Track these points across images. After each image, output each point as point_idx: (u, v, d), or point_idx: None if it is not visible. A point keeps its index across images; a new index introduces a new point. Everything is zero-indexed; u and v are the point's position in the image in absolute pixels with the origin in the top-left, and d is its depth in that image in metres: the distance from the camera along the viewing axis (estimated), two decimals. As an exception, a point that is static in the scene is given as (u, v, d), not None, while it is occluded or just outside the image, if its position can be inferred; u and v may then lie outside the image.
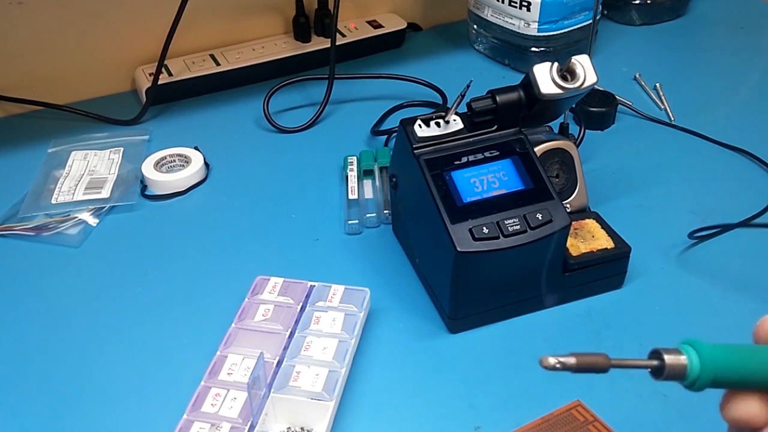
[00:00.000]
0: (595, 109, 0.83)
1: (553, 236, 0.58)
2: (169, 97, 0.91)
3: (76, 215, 0.73)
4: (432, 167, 0.59)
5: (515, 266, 0.59)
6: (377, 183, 0.76)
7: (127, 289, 0.66)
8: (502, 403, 0.55)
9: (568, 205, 0.67)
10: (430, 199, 0.58)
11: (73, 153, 0.82)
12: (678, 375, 0.36)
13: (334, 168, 0.80)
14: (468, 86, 0.59)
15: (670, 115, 0.87)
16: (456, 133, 0.61)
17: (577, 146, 0.69)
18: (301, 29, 0.96)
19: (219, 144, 0.83)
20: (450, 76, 0.92)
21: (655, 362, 0.36)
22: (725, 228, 0.67)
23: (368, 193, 0.75)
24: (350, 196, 0.73)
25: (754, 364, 0.36)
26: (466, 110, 0.62)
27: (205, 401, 0.53)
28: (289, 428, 0.53)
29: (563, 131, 0.73)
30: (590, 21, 0.93)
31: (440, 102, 0.87)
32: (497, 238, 0.57)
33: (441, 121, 0.61)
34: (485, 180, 0.59)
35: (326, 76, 0.88)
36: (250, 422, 0.51)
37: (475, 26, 0.99)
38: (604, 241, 0.63)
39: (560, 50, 0.93)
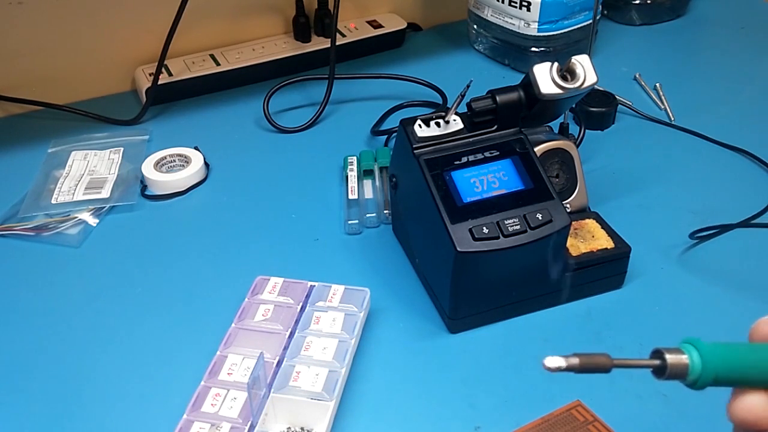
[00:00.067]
0: (595, 109, 0.83)
1: (553, 236, 0.58)
2: (169, 97, 0.91)
3: (76, 215, 0.73)
4: (432, 167, 0.59)
5: (515, 266, 0.59)
6: (377, 183, 0.76)
7: (127, 289, 0.66)
8: (502, 403, 0.55)
9: (568, 205, 0.67)
10: (430, 199, 0.58)
11: (73, 153, 0.82)
12: (680, 374, 0.36)
13: (334, 168, 0.80)
14: (468, 86, 0.59)
15: (670, 115, 0.87)
16: (456, 133, 0.61)
17: (577, 146, 0.69)
18: (301, 29, 0.96)
19: (219, 144, 0.83)
20: (450, 76, 0.92)
21: (656, 362, 0.36)
22: (725, 228, 0.67)
23: (368, 193, 0.75)
24: (350, 196, 0.73)
25: (755, 361, 0.36)
26: (466, 110, 0.62)
27: (205, 401, 0.53)
28: (289, 428, 0.53)
29: (563, 131, 0.73)
30: (590, 21, 0.93)
31: (440, 102, 0.87)
32: (497, 238, 0.57)
33: (441, 121, 0.61)
34: (485, 180, 0.59)
35: (326, 76, 0.88)
36: (250, 422, 0.51)
37: (475, 26, 0.99)
38: (604, 241, 0.63)
39: (560, 50, 0.93)
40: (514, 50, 0.95)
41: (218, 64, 0.93)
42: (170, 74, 0.91)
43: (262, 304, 0.60)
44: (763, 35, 1.03)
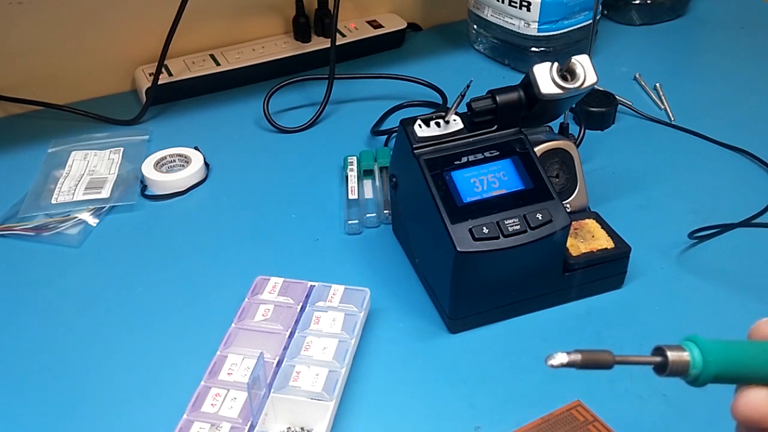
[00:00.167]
0: (595, 109, 0.83)
1: (553, 236, 0.58)
2: (169, 97, 0.91)
3: (76, 215, 0.73)
4: (432, 167, 0.59)
5: (515, 266, 0.59)
6: (377, 183, 0.76)
7: (127, 289, 0.66)
8: (502, 403, 0.55)
9: (568, 205, 0.67)
10: (430, 199, 0.58)
11: (73, 153, 0.82)
12: (681, 371, 0.36)
13: (334, 168, 0.80)
14: (468, 86, 0.59)
15: (670, 115, 0.87)
16: (456, 133, 0.61)
17: (577, 146, 0.69)
18: (301, 29, 0.96)
19: (219, 144, 0.83)
20: (450, 76, 0.92)
21: (658, 359, 0.36)
22: (725, 228, 0.67)
23: (368, 193, 0.75)
24: (350, 196, 0.73)
25: (755, 358, 0.36)
26: (466, 110, 0.62)
27: (205, 401, 0.53)
28: (289, 428, 0.53)
29: (563, 131, 0.73)
30: (590, 21, 0.93)
31: (440, 102, 0.87)
32: (497, 238, 0.57)
33: (441, 121, 0.61)
34: (485, 180, 0.59)
35: (326, 76, 0.88)
36: (250, 422, 0.51)
37: (475, 26, 0.99)
38: (604, 241, 0.63)
39: (560, 50, 0.93)
40: (514, 50, 0.95)
41: (218, 64, 0.93)
42: (170, 74, 0.91)
43: (262, 304, 0.60)
44: (763, 35, 1.03)
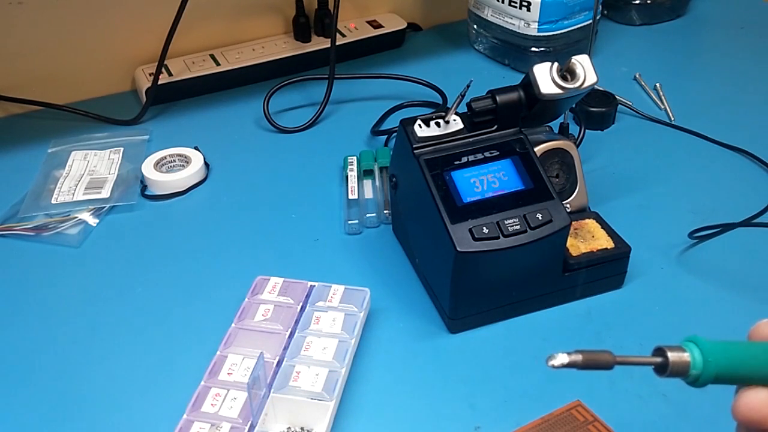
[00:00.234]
0: (595, 109, 0.83)
1: (553, 236, 0.58)
2: (169, 97, 0.91)
3: (76, 215, 0.73)
4: (432, 167, 0.59)
5: (515, 266, 0.59)
6: (377, 183, 0.76)
7: (127, 289, 0.66)
8: (502, 403, 0.55)
9: (568, 205, 0.67)
10: (430, 199, 0.58)
11: (73, 153, 0.82)
12: (681, 372, 0.36)
13: (334, 168, 0.80)
14: (468, 86, 0.59)
15: (670, 115, 0.87)
16: (456, 133, 0.61)
17: (577, 146, 0.69)
18: (301, 29, 0.96)
19: (219, 144, 0.83)
20: (450, 76, 0.92)
21: (658, 359, 0.36)
22: (725, 228, 0.67)
23: (368, 193, 0.75)
24: (350, 196, 0.73)
25: (756, 358, 0.36)
26: (466, 110, 0.62)
27: (205, 401, 0.53)
28: (289, 428, 0.53)
29: (563, 131, 0.73)
30: (590, 21, 0.93)
31: (440, 102, 0.87)
32: (497, 238, 0.57)
33: (441, 121, 0.61)
34: (485, 180, 0.59)
35: (326, 76, 0.88)
36: (250, 422, 0.51)
37: (475, 26, 0.99)
38: (604, 241, 0.63)
39: (560, 50, 0.93)
40: (514, 50, 0.95)
41: (218, 64, 0.93)
42: (170, 74, 0.91)
43: (262, 304, 0.60)
44: (763, 35, 1.03)
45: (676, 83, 0.92)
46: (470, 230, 0.56)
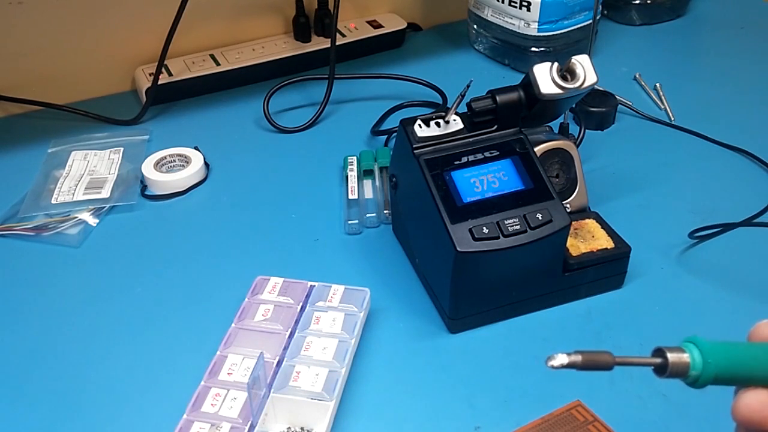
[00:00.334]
0: (595, 109, 0.83)
1: (553, 236, 0.58)
2: (169, 97, 0.91)
3: (76, 215, 0.73)
4: (432, 167, 0.59)
5: (515, 266, 0.59)
6: (377, 183, 0.76)
7: (127, 289, 0.66)
8: (502, 403, 0.55)
9: (568, 205, 0.67)
10: (430, 199, 0.58)
11: (73, 153, 0.82)
12: (681, 372, 0.36)
13: (334, 168, 0.80)
14: (468, 86, 0.59)
15: (670, 115, 0.87)
16: (456, 133, 0.61)
17: (577, 146, 0.69)
18: (301, 29, 0.96)
19: (219, 144, 0.84)
20: (450, 76, 0.92)
21: (658, 360, 0.36)
22: (725, 228, 0.67)
23: (368, 193, 0.75)
24: (350, 196, 0.73)
25: (755, 359, 0.36)
26: (466, 110, 0.62)
27: (205, 401, 0.53)
28: (289, 428, 0.53)
29: (563, 131, 0.73)
30: (590, 21, 0.93)
31: (440, 102, 0.87)
32: (497, 238, 0.57)
33: (441, 121, 0.61)
34: (485, 180, 0.59)
35: (326, 76, 0.88)
36: (250, 422, 0.51)
37: (475, 26, 0.99)
38: (604, 241, 0.63)
39: (560, 50, 0.93)
40: (514, 50, 0.95)
41: (218, 64, 0.93)
42: (170, 74, 0.91)
43: (262, 304, 0.60)
44: (763, 35, 1.03)
45: (676, 83, 0.92)
46: (470, 230, 0.56)
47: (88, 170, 0.79)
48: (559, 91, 0.59)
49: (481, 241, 0.56)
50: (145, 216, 0.74)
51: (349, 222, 0.70)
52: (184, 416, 0.52)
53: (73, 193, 0.75)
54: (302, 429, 0.53)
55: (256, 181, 0.79)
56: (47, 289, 0.66)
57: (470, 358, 0.59)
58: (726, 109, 0.88)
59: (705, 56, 1.01)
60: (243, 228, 0.72)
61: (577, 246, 0.62)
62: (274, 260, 0.68)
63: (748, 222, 0.69)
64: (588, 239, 0.63)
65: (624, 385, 0.56)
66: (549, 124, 0.68)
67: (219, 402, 0.52)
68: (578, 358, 0.35)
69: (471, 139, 0.61)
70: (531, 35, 0.92)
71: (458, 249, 0.56)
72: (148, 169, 0.78)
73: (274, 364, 0.56)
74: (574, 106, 0.83)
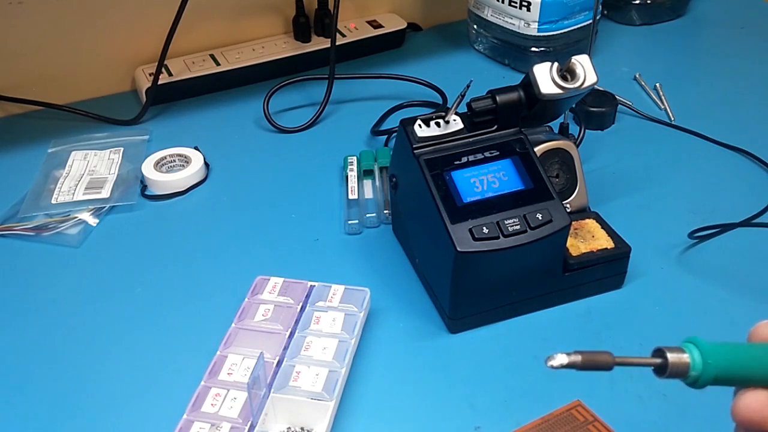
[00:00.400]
0: (595, 109, 0.83)
1: (553, 236, 0.58)
2: (169, 97, 0.91)
3: (76, 215, 0.73)
4: (432, 167, 0.59)
5: (515, 266, 0.59)
6: (377, 183, 0.76)
7: (127, 289, 0.66)
8: (502, 403, 0.55)
9: (568, 205, 0.67)
10: (430, 199, 0.58)
11: (73, 153, 0.82)
12: (680, 373, 0.36)
13: (334, 168, 0.80)
14: (468, 86, 0.59)
15: (670, 115, 0.87)
16: (456, 133, 0.61)
17: (577, 146, 0.69)
18: (301, 29, 0.96)
19: (219, 144, 0.84)
20: (450, 76, 0.92)
21: (658, 360, 0.36)
22: (725, 228, 0.67)
23: (368, 193, 0.75)
24: (350, 196, 0.73)
25: (755, 360, 0.36)
26: (466, 110, 0.62)
27: (205, 401, 0.53)
28: (289, 428, 0.53)
29: (563, 131, 0.73)
30: (590, 21, 0.93)
31: (440, 102, 0.87)
32: (497, 238, 0.57)
33: (441, 121, 0.61)
34: (485, 180, 0.59)
35: (326, 76, 0.88)
36: (250, 422, 0.51)
37: (475, 26, 0.99)
38: (604, 241, 0.63)
39: (560, 50, 0.93)
40: (514, 50, 0.95)
41: (218, 64, 0.93)
42: (170, 74, 0.91)
43: (262, 304, 0.60)
44: (763, 35, 1.03)
45: (676, 83, 0.92)
46: (470, 230, 0.56)
47: (88, 170, 0.79)
48: (559, 91, 0.59)
49: (481, 241, 0.56)
50: (145, 216, 0.74)
51: (349, 222, 0.70)
52: (184, 416, 0.52)
53: (73, 193, 0.75)
54: (302, 429, 0.53)
55: (256, 182, 0.79)
56: (47, 289, 0.66)
57: (470, 358, 0.59)
58: (726, 109, 0.88)
59: (705, 56, 1.01)
60: (243, 228, 0.72)
61: (577, 246, 0.63)
62: (274, 260, 0.68)
63: (748, 222, 0.69)
64: (588, 239, 0.63)
65: (624, 385, 0.56)
66: (549, 124, 0.68)
67: (219, 402, 0.52)
68: (578, 358, 0.35)
69: (471, 139, 0.61)
70: (531, 35, 0.92)
71: (458, 249, 0.56)
72: (148, 169, 0.78)
73: (274, 364, 0.56)
74: (574, 106, 0.83)
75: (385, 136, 0.82)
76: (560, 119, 0.71)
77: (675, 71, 0.96)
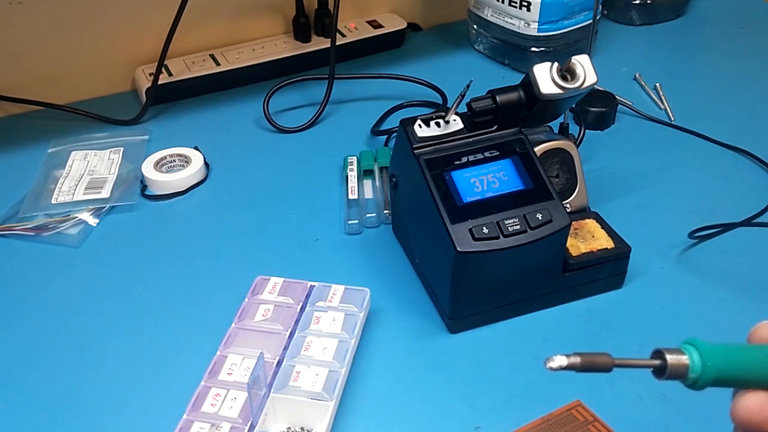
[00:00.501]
0: (595, 109, 0.83)
1: (553, 236, 0.58)
2: (169, 97, 0.91)
3: (76, 215, 0.73)
4: (432, 167, 0.59)
5: (515, 266, 0.59)
6: (377, 183, 0.76)
7: (127, 289, 0.66)
8: (502, 403, 0.55)
9: (568, 205, 0.67)
10: (430, 199, 0.58)
11: (73, 153, 0.82)
12: (680, 374, 0.36)
13: (334, 168, 0.80)
14: (468, 86, 0.59)
15: (670, 115, 0.87)
16: (456, 133, 0.61)
17: (577, 146, 0.69)
18: (301, 29, 0.96)
19: (219, 144, 0.84)
20: (450, 76, 0.92)
21: (657, 362, 0.36)
22: (725, 228, 0.67)
23: (368, 193, 0.75)
24: (350, 196, 0.73)
25: (755, 362, 0.36)
26: (466, 110, 0.62)
27: (205, 401, 0.53)
28: (289, 428, 0.53)
29: (563, 131, 0.73)
30: (590, 21, 0.93)
31: (440, 102, 0.87)
32: (497, 238, 0.57)
33: (441, 121, 0.61)
34: (485, 180, 0.59)
35: (326, 76, 0.88)
36: (250, 422, 0.51)
37: (475, 26, 0.99)
38: (604, 241, 0.63)
39: (560, 50, 0.93)
40: (514, 50, 0.95)
41: (218, 64, 0.93)
42: (170, 74, 0.91)
43: (262, 304, 0.60)
44: (763, 35, 1.03)
45: (676, 83, 0.92)
46: (470, 230, 0.56)
47: (88, 170, 0.79)
48: (559, 91, 0.59)
49: (481, 241, 0.56)
50: (145, 216, 0.74)
51: (349, 222, 0.70)
52: (184, 416, 0.52)
53: (73, 193, 0.75)
54: (302, 429, 0.53)
55: (256, 181, 0.79)
56: (47, 289, 0.66)
57: (470, 358, 0.59)
58: (726, 109, 0.88)
59: (705, 56, 1.01)
60: (243, 228, 0.72)
61: (577, 246, 0.63)
62: (274, 260, 0.68)
63: (748, 222, 0.69)
64: (588, 239, 0.63)
65: (624, 385, 0.56)
66: (549, 124, 0.68)
67: (219, 402, 0.52)
68: (577, 360, 0.35)
69: (471, 139, 0.61)
70: (531, 35, 0.92)
71: (458, 249, 0.56)
72: (148, 169, 0.78)
73: (274, 364, 0.56)
74: (574, 106, 0.83)
75: (385, 136, 0.83)
76: (560, 119, 0.71)
77: (675, 71, 0.96)
